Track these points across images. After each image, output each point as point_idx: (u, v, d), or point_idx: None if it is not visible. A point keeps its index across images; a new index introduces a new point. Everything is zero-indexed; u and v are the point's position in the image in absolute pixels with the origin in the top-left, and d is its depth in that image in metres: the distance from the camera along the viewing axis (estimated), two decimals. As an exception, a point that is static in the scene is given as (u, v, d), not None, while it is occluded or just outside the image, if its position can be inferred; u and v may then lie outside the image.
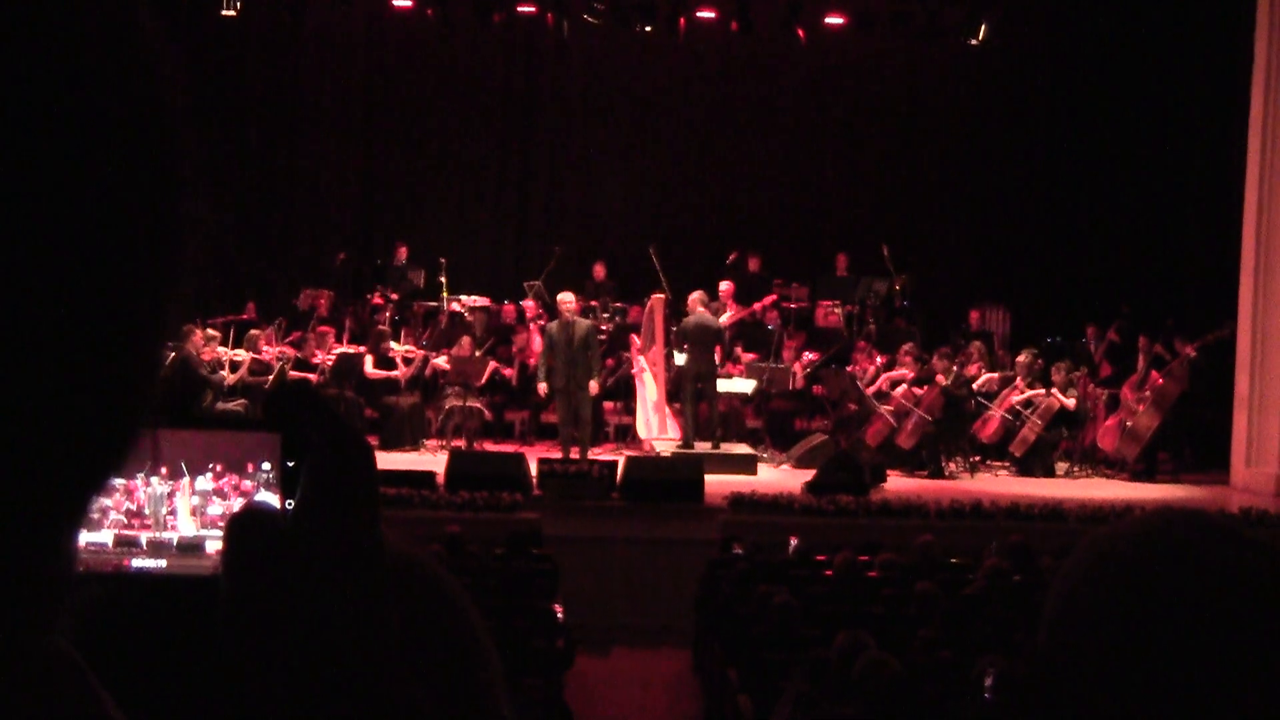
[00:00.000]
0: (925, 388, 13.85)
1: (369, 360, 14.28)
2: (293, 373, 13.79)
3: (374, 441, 12.69)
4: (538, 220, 19.34)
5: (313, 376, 13.82)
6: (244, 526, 0.77)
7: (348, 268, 17.25)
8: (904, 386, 13.97)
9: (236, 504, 0.84)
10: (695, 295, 13.70)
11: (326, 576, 0.75)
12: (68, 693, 0.66)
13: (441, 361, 14.45)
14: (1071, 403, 13.96)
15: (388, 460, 12.32)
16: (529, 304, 16.25)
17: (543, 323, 15.65)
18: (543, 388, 13.07)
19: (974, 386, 14.13)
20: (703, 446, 13.43)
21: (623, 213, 18.80)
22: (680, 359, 14.07)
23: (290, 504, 0.80)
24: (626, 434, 14.69)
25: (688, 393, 13.52)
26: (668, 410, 14.18)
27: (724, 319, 14.64)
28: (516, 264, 18.63)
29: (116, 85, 0.60)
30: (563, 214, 19.16)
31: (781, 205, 18.93)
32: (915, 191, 18.80)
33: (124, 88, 0.61)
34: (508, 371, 14.93)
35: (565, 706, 7.25)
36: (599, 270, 17.04)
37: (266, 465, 0.83)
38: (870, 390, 14.21)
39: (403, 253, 17.15)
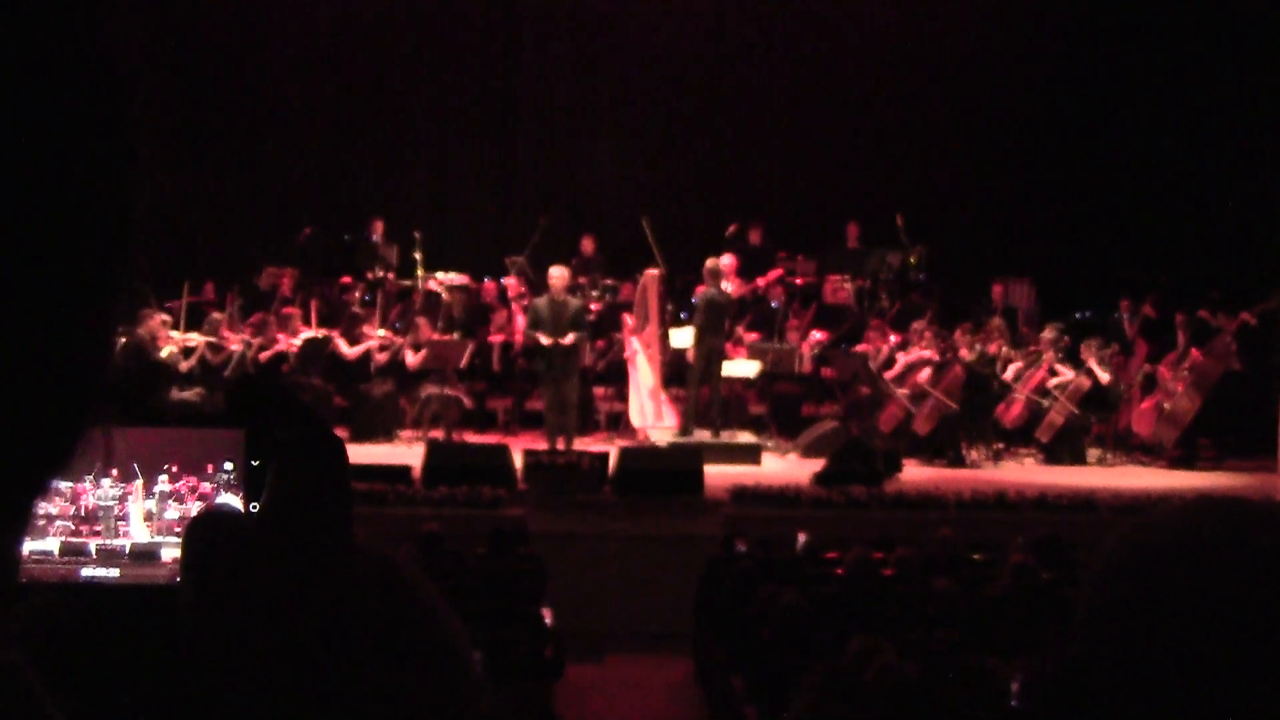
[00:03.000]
0: (944, 368, 13.86)
1: (342, 343, 14.26)
2: (257, 357, 13.77)
3: (344, 433, 12.68)
4: (521, 189, 19.32)
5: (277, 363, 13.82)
6: (204, 532, 0.77)
7: (314, 243, 17.21)
8: (923, 368, 13.97)
9: (195, 507, 0.84)
10: (711, 262, 13.63)
11: (295, 585, 0.75)
12: (15, 708, 0.66)
13: (411, 353, 14.43)
14: (1106, 377, 13.96)
15: (359, 453, 12.32)
16: (511, 281, 16.23)
17: (526, 302, 15.65)
18: (546, 340, 12.76)
19: (997, 366, 14.15)
20: (702, 435, 13.44)
21: (613, 180, 18.79)
22: (678, 339, 14.07)
23: (255, 507, 0.79)
24: (619, 422, 14.69)
25: (695, 373, 13.50)
26: (664, 396, 14.18)
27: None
28: (498, 238, 18.61)
29: (60, 56, 0.60)
30: (548, 182, 19.14)
31: (786, 171, 18.91)
32: (932, 154, 18.79)
33: (69, 58, 0.60)
34: (496, 338, 14.91)
35: (555, 719, 7.26)
36: (587, 244, 17.02)
37: (229, 465, 0.83)
38: (884, 372, 14.22)
39: (378, 227, 17.11)
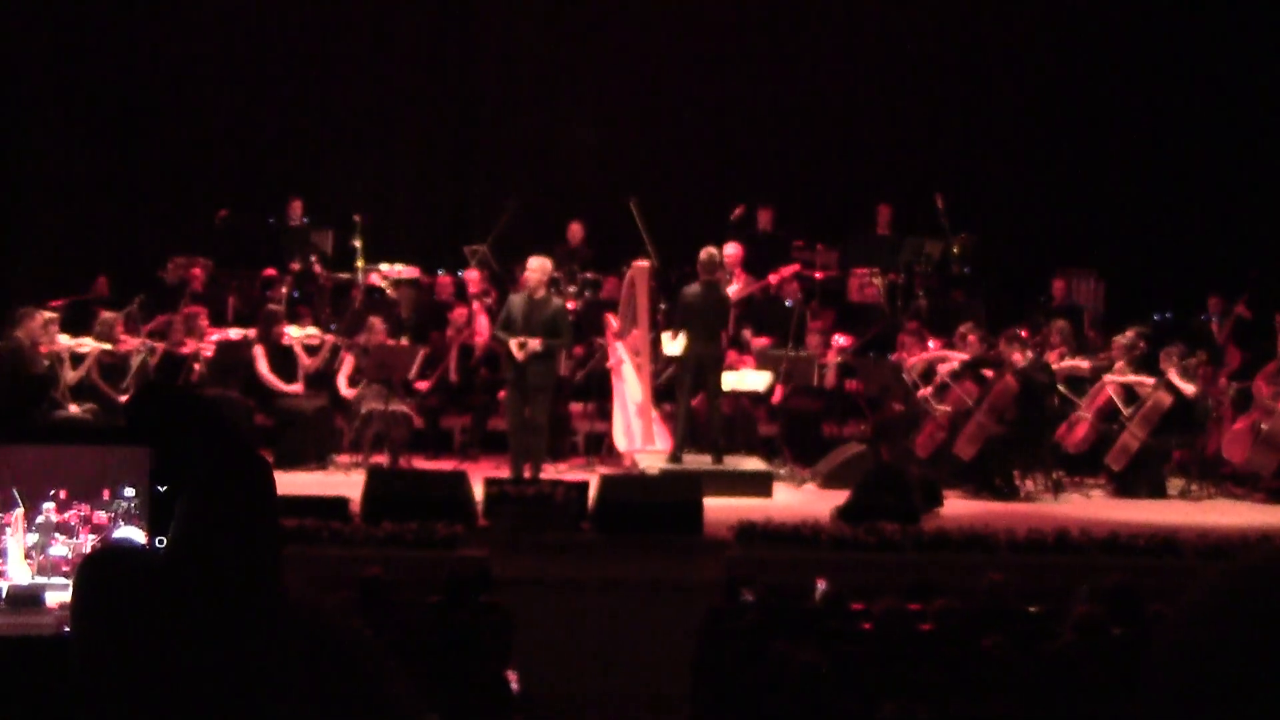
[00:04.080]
0: (994, 379, 13.87)
1: (260, 353, 14.24)
2: (159, 368, 13.74)
3: (268, 457, 12.65)
4: (483, 165, 19.31)
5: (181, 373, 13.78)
6: (99, 572, 0.77)
7: (230, 229, 17.19)
8: (967, 380, 13.99)
9: (88, 543, 0.84)
10: (705, 254, 13.62)
11: (209, 639, 0.75)
12: None
13: (347, 369, 14.41)
14: (1191, 390, 13.98)
15: (287, 482, 12.29)
16: (472, 274, 16.23)
17: (489, 300, 15.60)
18: (517, 347, 12.69)
19: (1058, 377, 14.16)
20: (701, 461, 13.43)
21: (594, 153, 18.78)
22: (672, 345, 14.06)
23: (161, 541, 0.79)
24: (600, 445, 14.67)
25: (684, 388, 13.51)
26: (655, 414, 14.17)
27: (729, 292, 14.63)
28: (454, 223, 18.59)
29: None
30: (515, 156, 19.13)
31: (802, 142, 18.94)
32: (979, 121, 18.83)
33: None
34: (453, 342, 14.90)
35: (523, 805, 7.25)
36: (575, 230, 17.01)
37: (129, 490, 0.83)
38: (921, 386, 14.21)
39: (297, 208, 17.09)
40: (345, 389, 14.31)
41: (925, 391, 14.23)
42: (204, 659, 0.77)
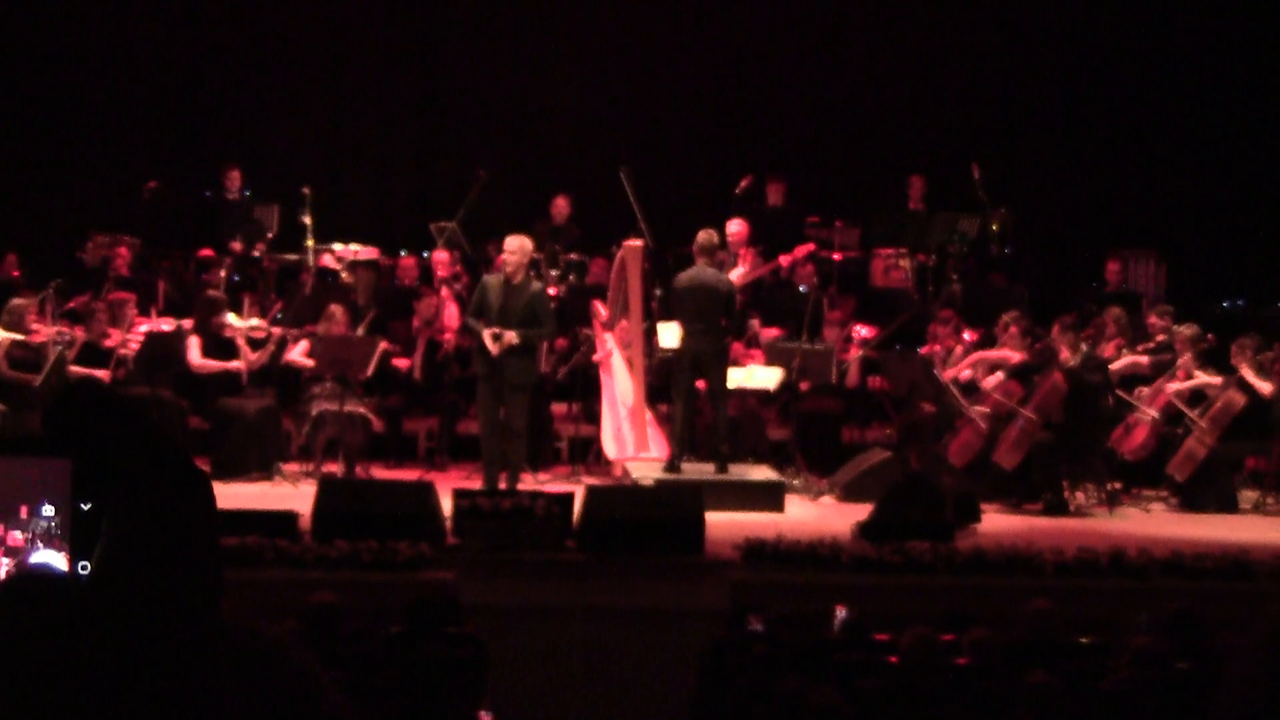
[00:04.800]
0: (1039, 377, 13.87)
1: (194, 344, 14.21)
2: (76, 368, 13.70)
3: (203, 465, 12.63)
4: (451, 129, 19.28)
5: (105, 371, 13.75)
6: (13, 602, 0.77)
7: (160, 202, 17.16)
8: (1010, 377, 13.99)
9: (1, 568, 0.84)
10: (703, 235, 13.62)
11: (139, 674, 0.75)
12: None
13: (303, 346, 14.39)
14: (1267, 389, 13.98)
15: (226, 494, 12.23)
16: (439, 256, 16.22)
17: (459, 286, 15.58)
18: (490, 340, 12.67)
19: (1113, 374, 14.16)
20: (702, 470, 13.43)
21: (579, 117, 18.76)
22: (668, 336, 14.06)
23: (84, 566, 0.79)
24: (587, 452, 14.68)
25: (681, 387, 13.51)
26: (649, 416, 14.16)
27: (734, 276, 14.64)
28: (419, 197, 18.57)
29: None
30: (488, 121, 19.10)
31: (818, 105, 18.92)
32: (1022, 81, 18.81)
33: None
34: (404, 362, 14.90)
35: None
36: (560, 205, 17.00)
37: (48, 509, 0.83)
38: (951, 374, 14.21)
39: (234, 179, 17.06)
40: (300, 358, 14.22)
41: (956, 381, 14.21)
42: (133, 696, 0.77)
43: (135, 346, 14.13)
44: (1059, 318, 14.32)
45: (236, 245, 16.65)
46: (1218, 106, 18.62)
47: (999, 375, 14.03)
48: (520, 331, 12.68)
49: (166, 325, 14.56)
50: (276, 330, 14.56)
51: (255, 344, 14.42)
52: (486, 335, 12.65)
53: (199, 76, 18.91)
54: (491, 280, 13.05)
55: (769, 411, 14.99)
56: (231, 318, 14.54)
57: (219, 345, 14.27)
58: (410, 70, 19.41)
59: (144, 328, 14.39)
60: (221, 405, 14.07)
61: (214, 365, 14.12)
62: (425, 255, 16.54)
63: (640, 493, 12.68)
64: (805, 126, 18.80)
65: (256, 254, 16.66)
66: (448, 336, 14.81)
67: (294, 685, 0.86)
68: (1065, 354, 13.85)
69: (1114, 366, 14.27)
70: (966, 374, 14.31)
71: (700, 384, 13.67)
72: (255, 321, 14.68)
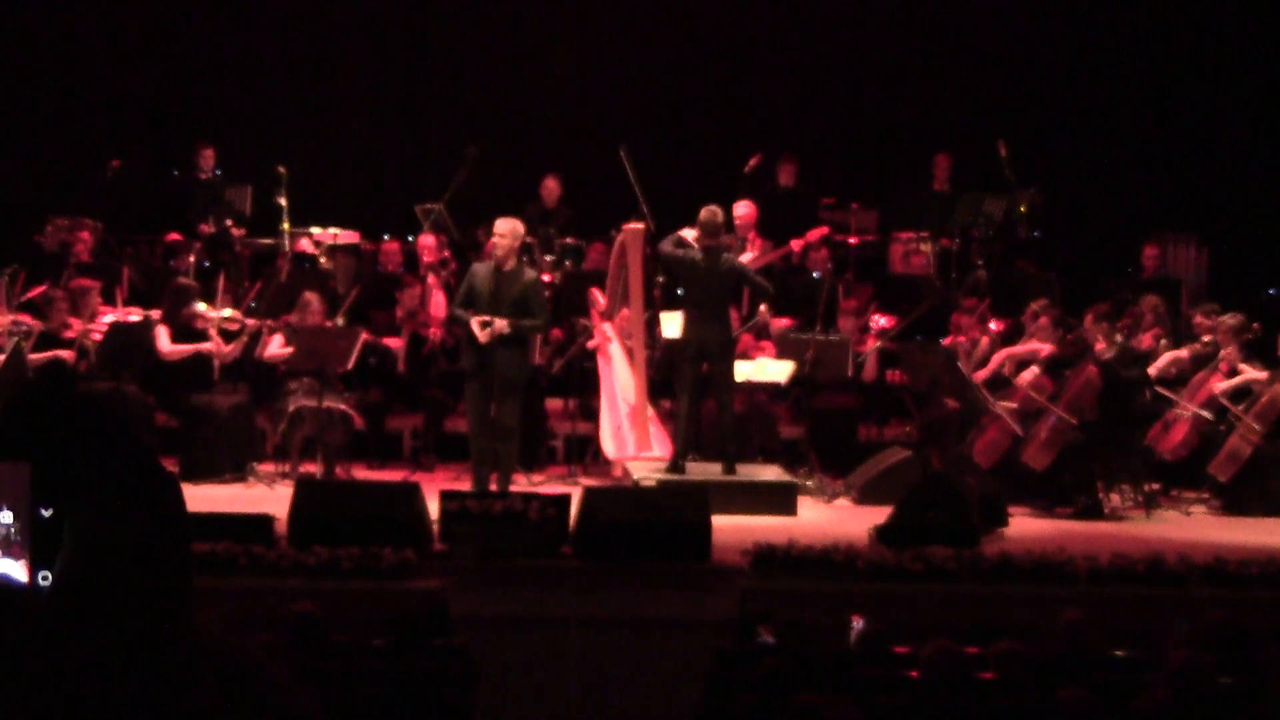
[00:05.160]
0: (1071, 371, 13.87)
1: (163, 333, 14.20)
2: (35, 355, 13.71)
3: (171, 466, 12.64)
4: (438, 106, 19.26)
5: (67, 354, 13.75)
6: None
7: (124, 182, 17.15)
8: (1039, 371, 13.98)
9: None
10: (706, 212, 13.56)
11: (105, 688, 0.75)
12: None
13: (279, 340, 14.37)
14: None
15: (196, 497, 12.25)
16: (425, 240, 16.21)
17: (446, 273, 15.58)
18: (479, 328, 12.64)
19: (1151, 368, 14.15)
20: (708, 470, 13.44)
21: (576, 91, 18.75)
22: (671, 326, 14.06)
23: (45, 577, 0.80)
24: (585, 451, 14.68)
25: (685, 381, 13.50)
26: (651, 412, 14.17)
27: (741, 262, 14.64)
28: (403, 177, 18.57)
29: None
30: (477, 95, 19.09)
31: (832, 78, 18.90)
32: (1053, 53, 18.79)
33: None
34: (396, 342, 14.88)
35: None
36: (551, 186, 16.99)
37: (5, 516, 0.84)
38: (981, 376, 14.22)
39: (208, 158, 17.04)
40: (277, 351, 14.20)
41: (983, 376, 14.21)
42: (101, 713, 0.78)
43: (98, 338, 14.11)
44: (1093, 306, 14.30)
45: (206, 228, 16.64)
46: (1267, 78, 18.60)
47: (1034, 370, 13.97)
48: (511, 320, 12.67)
49: (134, 315, 14.53)
50: (252, 322, 14.51)
51: (228, 336, 14.37)
52: (474, 324, 12.64)
53: (165, 46, 18.84)
54: (481, 267, 13.04)
55: (780, 407, 14.99)
56: (202, 307, 14.49)
57: (189, 337, 14.23)
58: (394, 38, 19.39)
59: (109, 318, 14.37)
60: (191, 401, 14.06)
61: (185, 349, 14.06)
62: (410, 240, 16.52)
63: (641, 495, 12.67)
64: (818, 100, 18.78)
65: (229, 237, 16.61)
66: (433, 331, 14.78)
67: (267, 701, 0.87)
68: (1100, 345, 13.84)
69: (1154, 369, 14.22)
70: (1005, 369, 14.27)
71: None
72: (228, 312, 14.61)
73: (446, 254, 16.08)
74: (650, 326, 14.33)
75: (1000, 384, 14.18)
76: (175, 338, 14.10)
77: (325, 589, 10.63)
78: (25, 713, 0.74)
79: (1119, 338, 14.01)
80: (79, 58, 18.57)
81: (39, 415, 0.80)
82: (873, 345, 15.03)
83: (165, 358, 14.05)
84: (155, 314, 14.44)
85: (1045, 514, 13.61)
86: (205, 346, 14.10)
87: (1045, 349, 14.11)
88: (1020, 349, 14.38)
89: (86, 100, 18.52)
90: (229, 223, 16.76)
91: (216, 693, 0.78)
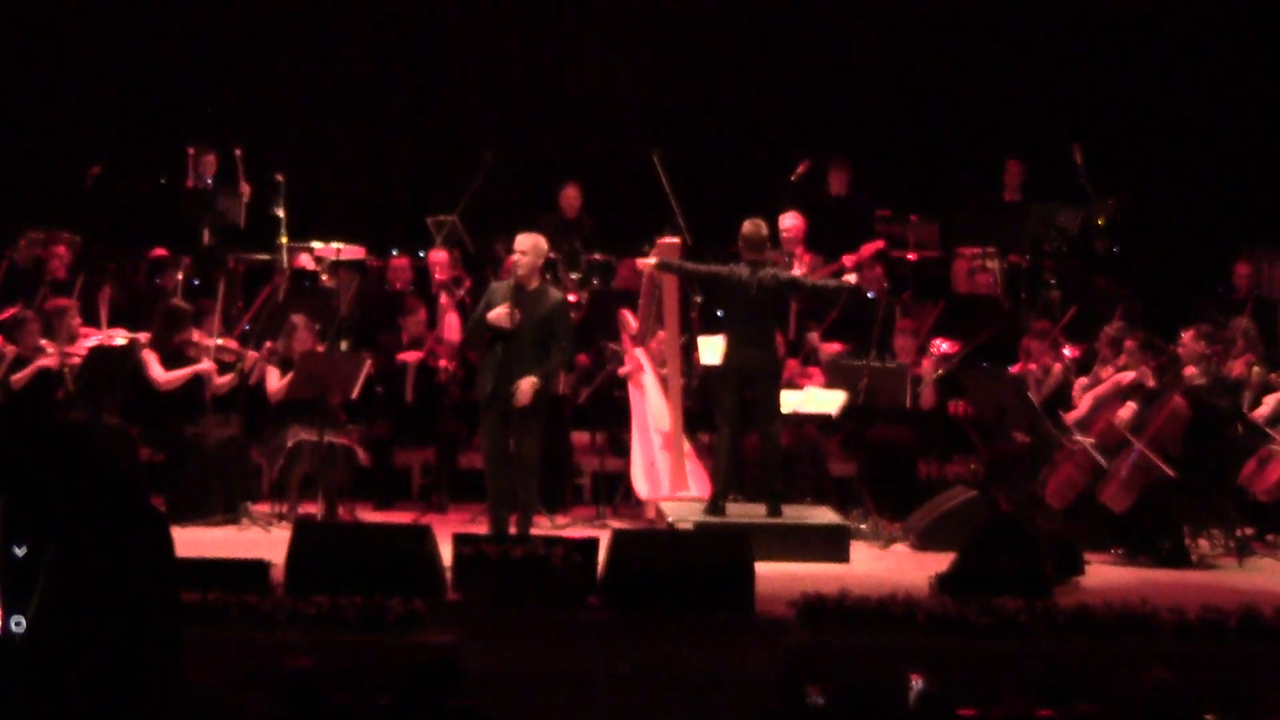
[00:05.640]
0: (1155, 402, 13.82)
1: (153, 360, 14.20)
2: (17, 376, 13.75)
3: (158, 505, 12.62)
4: (451, 109, 19.30)
5: (51, 362, 13.78)
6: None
7: (105, 192, 17.19)
8: (1120, 401, 13.93)
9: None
10: (749, 226, 13.50)
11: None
12: None
13: (275, 375, 14.34)
14: None
15: (185, 540, 12.22)
16: (438, 255, 16.23)
17: (461, 292, 15.59)
18: (504, 316, 12.61)
19: (1244, 399, 14.10)
20: (751, 512, 13.42)
21: (605, 93, 18.78)
22: (710, 352, 14.04)
23: (19, 622, 0.76)
24: (614, 491, 14.67)
25: (725, 411, 13.47)
26: (688, 447, 14.16)
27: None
28: (413, 185, 18.61)
29: None
30: (495, 98, 19.13)
31: (888, 77, 18.91)
32: (1134, 51, 18.78)
33: None
34: (411, 356, 14.89)
35: None
36: (571, 196, 17.02)
37: (-28, 554, 0.80)
38: (1073, 417, 14.16)
39: (209, 164, 17.07)
40: (274, 383, 14.16)
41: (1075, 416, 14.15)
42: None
43: (77, 362, 14.10)
44: (1194, 324, 14.18)
45: (200, 242, 16.66)
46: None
47: (1130, 406, 13.86)
48: (539, 371, 12.55)
49: (120, 338, 14.50)
50: (252, 355, 14.42)
51: (225, 367, 14.36)
52: (499, 313, 12.48)
53: (150, 41, 18.93)
54: (500, 286, 13.00)
55: (830, 442, 14.97)
56: (198, 335, 14.40)
57: (179, 364, 14.21)
58: (401, 33, 19.44)
59: (93, 340, 14.34)
60: (179, 434, 14.07)
61: (182, 374, 14.08)
62: (420, 255, 16.53)
63: (677, 539, 12.68)
64: (873, 99, 18.80)
65: (220, 253, 16.61)
66: (444, 363, 14.72)
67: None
68: (1190, 370, 13.77)
69: (1262, 410, 14.11)
70: (1081, 400, 14.21)
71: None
72: (221, 342, 14.51)
73: (460, 271, 16.07)
74: (687, 352, 14.34)
75: (1080, 418, 14.13)
76: (165, 364, 14.10)
77: (325, 642, 10.62)
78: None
79: (1211, 365, 13.94)
80: (56, 54, 18.65)
81: (9, 445, 0.76)
82: (932, 372, 14.98)
83: (161, 387, 14.06)
84: (143, 337, 14.41)
85: (1126, 561, 13.58)
86: (203, 368, 14.09)
87: (1128, 377, 14.03)
88: (1108, 387, 14.20)
89: (64, 101, 18.58)
90: (221, 235, 16.74)
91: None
